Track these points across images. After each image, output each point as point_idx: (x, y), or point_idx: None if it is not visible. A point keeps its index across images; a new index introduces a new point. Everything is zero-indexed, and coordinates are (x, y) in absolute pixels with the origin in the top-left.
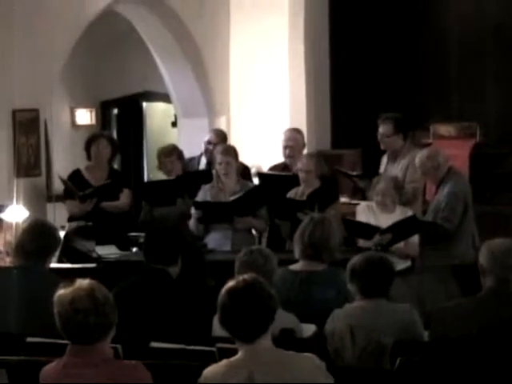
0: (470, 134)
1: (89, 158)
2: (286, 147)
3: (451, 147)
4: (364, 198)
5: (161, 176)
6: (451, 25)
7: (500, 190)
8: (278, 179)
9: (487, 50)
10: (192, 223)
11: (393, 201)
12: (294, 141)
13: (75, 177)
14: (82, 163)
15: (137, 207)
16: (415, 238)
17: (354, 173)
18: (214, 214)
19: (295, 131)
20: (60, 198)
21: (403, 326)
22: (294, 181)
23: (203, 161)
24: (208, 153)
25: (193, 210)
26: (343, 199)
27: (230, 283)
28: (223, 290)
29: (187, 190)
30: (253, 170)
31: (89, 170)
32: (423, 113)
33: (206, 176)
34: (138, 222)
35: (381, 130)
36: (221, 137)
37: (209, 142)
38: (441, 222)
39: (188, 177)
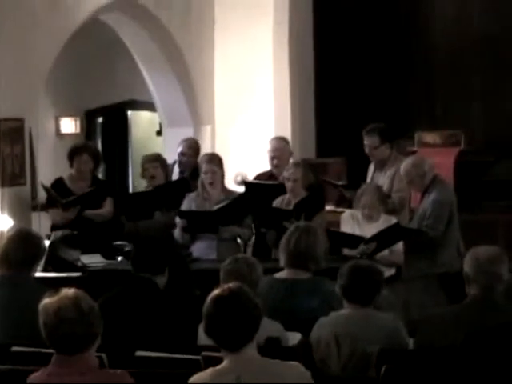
0: (454, 141)
1: (72, 166)
2: (272, 158)
3: (436, 155)
4: (350, 207)
5: (144, 184)
6: (436, 34)
7: (485, 198)
8: (265, 188)
9: (472, 58)
10: (177, 232)
11: (378, 211)
12: (280, 151)
13: (58, 185)
14: (66, 172)
15: (119, 217)
16: (400, 246)
17: (340, 183)
18: (199, 223)
19: (281, 140)
20: (44, 207)
21: (388, 335)
22: (280, 190)
23: (176, 170)
24: (181, 164)
25: (177, 219)
26: (329, 207)
27: (215, 292)
28: (208, 299)
29: (165, 202)
30: (238, 179)
31: (71, 178)
32: (408, 121)
33: (183, 186)
34: (122, 232)
35: (367, 142)
36: (193, 148)
37: (182, 154)
38: (426, 229)
39: (165, 187)
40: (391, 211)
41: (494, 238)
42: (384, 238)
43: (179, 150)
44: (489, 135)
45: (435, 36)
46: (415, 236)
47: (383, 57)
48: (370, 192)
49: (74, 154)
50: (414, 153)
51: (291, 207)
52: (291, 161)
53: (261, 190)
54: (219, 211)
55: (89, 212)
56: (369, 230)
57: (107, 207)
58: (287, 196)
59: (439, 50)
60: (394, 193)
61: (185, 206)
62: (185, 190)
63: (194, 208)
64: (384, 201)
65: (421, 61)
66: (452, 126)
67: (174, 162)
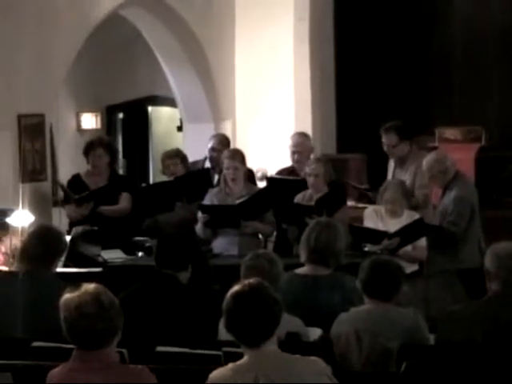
0: (475, 137)
1: (88, 162)
2: (294, 152)
3: (456, 151)
4: (370, 202)
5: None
6: (455, 30)
7: (506, 193)
8: (287, 183)
9: (491, 53)
10: (198, 227)
11: (402, 206)
12: (301, 146)
13: (75, 181)
14: (87, 167)
15: (137, 212)
16: (423, 242)
17: (363, 186)
18: (221, 217)
19: (303, 136)
20: (62, 203)
21: (408, 330)
22: (302, 185)
23: (207, 165)
24: (212, 160)
25: (199, 214)
26: (350, 203)
27: (235, 287)
28: (228, 295)
29: (186, 193)
30: (258, 174)
31: (88, 174)
32: (428, 117)
33: (205, 176)
34: (142, 227)
35: (385, 140)
36: (224, 143)
37: (213, 149)
38: (447, 225)
39: (186, 178)
40: (415, 208)
41: None
42: (407, 234)
43: (209, 145)
44: (509, 131)
45: (455, 32)
46: (437, 232)
47: (403, 53)
48: (393, 187)
49: (88, 149)
50: (434, 149)
51: (313, 203)
52: (312, 156)
53: (283, 185)
54: (241, 205)
55: (103, 208)
56: (392, 226)
57: (123, 203)
58: (309, 191)
59: (459, 45)
60: (417, 189)
61: (207, 201)
62: (206, 180)
63: (215, 203)
64: (407, 196)
65: (441, 56)
66: (472, 122)
67: (205, 158)
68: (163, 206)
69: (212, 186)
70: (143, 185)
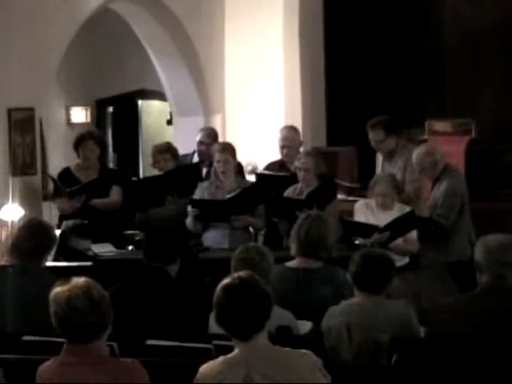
0: (465, 130)
1: (78, 156)
2: (283, 147)
3: (447, 143)
4: (361, 196)
5: (155, 173)
6: (446, 22)
7: (496, 186)
8: (276, 179)
9: (482, 46)
10: (189, 221)
11: (392, 199)
12: (290, 140)
13: (65, 175)
14: (77, 161)
15: (128, 205)
16: (414, 235)
17: (353, 185)
18: (211, 212)
19: (291, 129)
20: (52, 197)
21: (399, 323)
22: (291, 181)
23: (195, 159)
24: (201, 153)
25: (189, 208)
26: (340, 196)
27: (226, 280)
28: (218, 288)
29: (176, 187)
30: (248, 168)
31: (79, 168)
32: (418, 109)
33: (195, 171)
34: (133, 221)
35: (371, 136)
36: (211, 136)
37: (200, 143)
38: (437, 218)
39: (176, 172)
40: (406, 202)
41: (505, 226)
42: (398, 227)
43: (197, 138)
44: (499, 123)
45: (446, 24)
46: (427, 225)
47: (394, 45)
48: (383, 180)
49: (79, 142)
50: (424, 141)
51: (303, 196)
52: (301, 150)
53: (272, 181)
54: (231, 200)
55: (95, 201)
56: (383, 219)
57: (114, 196)
58: (299, 185)
59: (450, 37)
60: (408, 183)
61: (197, 195)
62: (196, 175)
63: (206, 196)
64: (398, 189)
65: (431, 49)
66: (462, 115)
67: (194, 152)
68: (154, 201)
69: (202, 179)
70: (134, 179)
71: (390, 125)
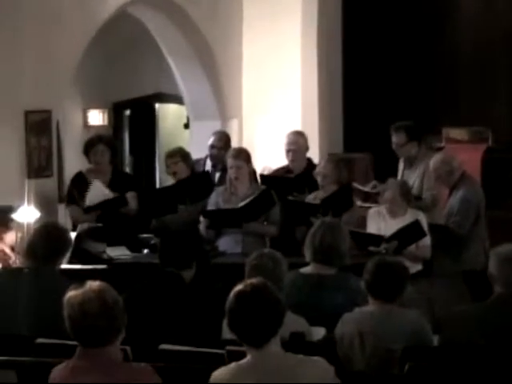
0: (482, 138)
1: (89, 161)
2: (288, 151)
3: (463, 151)
4: (377, 202)
5: (171, 180)
6: (462, 30)
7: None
8: (279, 182)
9: (499, 54)
10: (202, 228)
11: (401, 206)
12: (295, 144)
13: (78, 180)
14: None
15: (142, 210)
16: (427, 241)
17: (373, 190)
18: (223, 220)
19: (298, 134)
20: (66, 203)
21: (412, 332)
22: (294, 183)
23: (208, 163)
24: (213, 157)
25: (201, 218)
26: (357, 203)
27: (238, 287)
28: (231, 294)
29: (188, 195)
30: (265, 173)
31: (91, 172)
32: (435, 117)
33: (205, 179)
34: (148, 225)
35: (394, 139)
36: (223, 140)
37: (212, 146)
38: (452, 226)
39: (188, 181)
40: (424, 209)
41: None
42: (404, 236)
43: (209, 142)
44: None
45: (461, 32)
46: (441, 232)
47: (410, 53)
48: (392, 187)
49: (89, 146)
50: (441, 149)
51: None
52: (307, 155)
53: (275, 183)
54: (243, 208)
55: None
56: (395, 225)
57: (131, 203)
58: (321, 192)
59: (466, 46)
60: (426, 191)
61: (212, 200)
62: (207, 183)
63: (220, 202)
64: (407, 196)
65: (448, 57)
66: (479, 123)
67: (206, 156)
68: (166, 209)
69: (213, 186)
70: (146, 189)
71: (413, 130)
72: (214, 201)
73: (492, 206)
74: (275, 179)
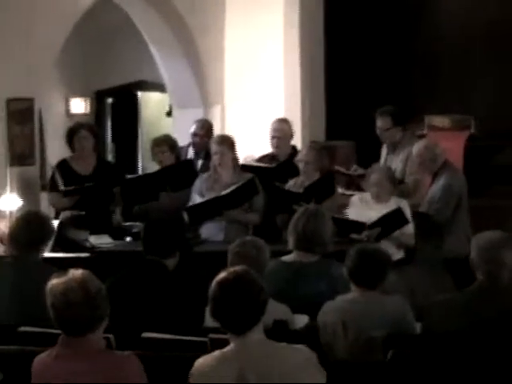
0: (464, 126)
1: (72, 150)
2: (273, 137)
3: (446, 139)
4: (359, 189)
5: (156, 167)
6: (446, 19)
7: (494, 182)
8: (259, 171)
9: (482, 43)
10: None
11: (387, 191)
12: (280, 131)
13: (63, 167)
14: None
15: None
16: (410, 229)
17: (356, 173)
18: (205, 213)
19: (282, 122)
20: (48, 189)
21: (395, 319)
22: (275, 173)
23: (190, 152)
24: (195, 145)
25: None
26: (338, 190)
27: (221, 275)
28: (214, 282)
29: (169, 183)
30: (247, 161)
31: (75, 159)
32: (417, 104)
33: (188, 167)
34: (130, 212)
35: (379, 123)
36: (205, 128)
37: (194, 134)
38: (432, 213)
39: (169, 169)
40: (406, 194)
41: (503, 223)
42: (387, 223)
43: (191, 130)
44: (498, 119)
45: (444, 20)
46: (420, 219)
47: (392, 41)
48: (379, 170)
49: (72, 133)
50: (423, 136)
51: (301, 190)
52: (292, 142)
53: (256, 172)
54: (226, 196)
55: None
56: (379, 211)
57: (117, 215)
58: (300, 178)
59: (449, 34)
60: (408, 175)
61: (196, 187)
62: (189, 171)
63: (204, 189)
64: (393, 181)
65: (431, 44)
66: (461, 111)
67: (189, 144)
68: (147, 197)
69: (196, 174)
70: (128, 177)
71: (398, 115)
72: (198, 187)
73: (474, 193)
74: (256, 169)
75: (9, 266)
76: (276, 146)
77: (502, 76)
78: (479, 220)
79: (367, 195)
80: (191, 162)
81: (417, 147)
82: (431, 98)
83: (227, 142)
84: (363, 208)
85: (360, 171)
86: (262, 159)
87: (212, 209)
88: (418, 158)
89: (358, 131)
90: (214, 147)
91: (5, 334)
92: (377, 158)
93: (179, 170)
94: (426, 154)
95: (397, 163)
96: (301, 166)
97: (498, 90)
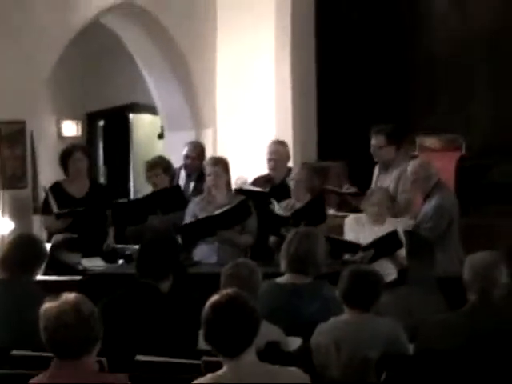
0: (455, 146)
1: (66, 172)
2: (269, 160)
3: (437, 159)
4: (351, 211)
5: (150, 189)
6: (437, 38)
7: (486, 202)
8: (253, 195)
9: (472, 64)
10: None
11: (388, 211)
12: (277, 154)
13: (56, 190)
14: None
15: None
16: (403, 252)
17: (348, 191)
18: (197, 233)
19: (279, 144)
20: (42, 212)
21: (388, 341)
22: (268, 197)
23: (182, 174)
24: (187, 167)
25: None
26: (330, 211)
27: (214, 298)
28: (206, 305)
29: (159, 206)
30: (238, 182)
31: (69, 182)
32: (409, 125)
33: (175, 193)
34: (123, 235)
35: (373, 141)
36: (197, 150)
37: (186, 157)
38: (424, 232)
39: (156, 195)
40: (397, 213)
41: (494, 242)
42: (382, 246)
43: (184, 152)
44: (489, 139)
45: (436, 42)
46: (412, 238)
47: (384, 61)
48: (380, 191)
49: (66, 155)
50: (415, 157)
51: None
52: (289, 164)
53: (250, 196)
54: (219, 216)
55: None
56: (374, 234)
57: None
58: (292, 200)
59: (440, 55)
60: (400, 193)
61: (190, 210)
62: (177, 197)
63: (197, 211)
64: (393, 202)
65: (422, 64)
66: (453, 130)
67: (181, 166)
68: (138, 219)
69: (185, 198)
70: (118, 201)
71: (393, 135)
72: (191, 210)
73: (466, 213)
74: (250, 193)
75: (1, 289)
76: (272, 168)
77: (495, 93)
78: (470, 239)
79: (362, 216)
80: (179, 188)
81: (412, 165)
82: (423, 119)
83: (221, 164)
84: (359, 229)
85: (352, 189)
86: (257, 180)
87: (205, 228)
88: (413, 176)
89: (349, 152)
90: (208, 169)
91: None
92: (369, 178)
93: (167, 195)
94: (420, 172)
95: (389, 181)
96: (292, 184)
97: (490, 108)
